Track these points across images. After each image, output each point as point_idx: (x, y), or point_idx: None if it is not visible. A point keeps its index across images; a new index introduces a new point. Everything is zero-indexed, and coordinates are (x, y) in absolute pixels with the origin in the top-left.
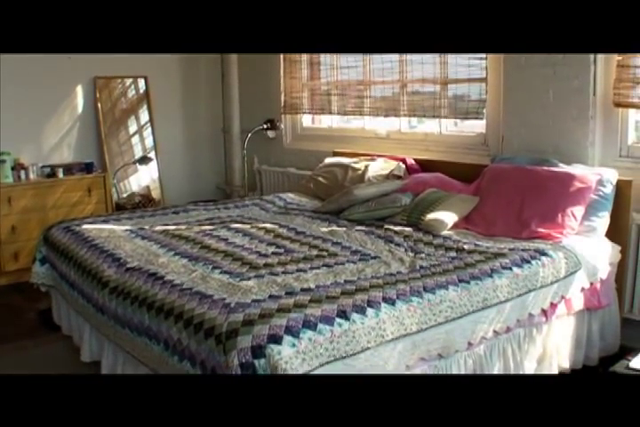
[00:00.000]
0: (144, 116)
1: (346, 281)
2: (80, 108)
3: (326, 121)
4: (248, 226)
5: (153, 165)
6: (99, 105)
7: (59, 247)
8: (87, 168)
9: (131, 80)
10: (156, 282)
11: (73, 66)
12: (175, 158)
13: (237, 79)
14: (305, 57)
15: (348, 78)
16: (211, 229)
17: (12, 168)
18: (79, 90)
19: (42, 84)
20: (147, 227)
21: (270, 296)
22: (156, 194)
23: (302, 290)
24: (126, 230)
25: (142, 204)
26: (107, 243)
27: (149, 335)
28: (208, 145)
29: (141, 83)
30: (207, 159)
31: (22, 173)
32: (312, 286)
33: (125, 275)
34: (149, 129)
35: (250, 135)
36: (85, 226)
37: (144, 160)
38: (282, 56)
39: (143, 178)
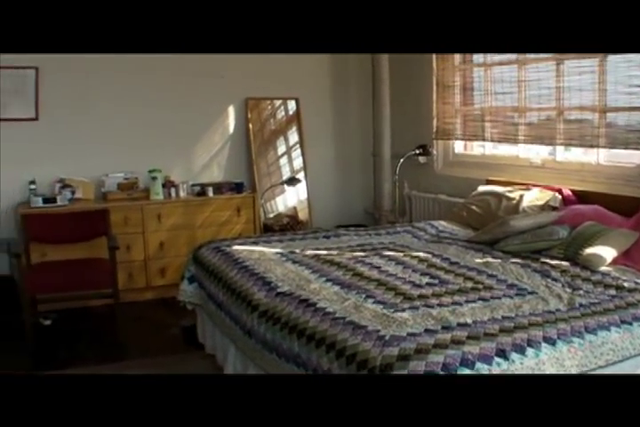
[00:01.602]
0: (293, 137)
1: (503, 317)
2: (231, 129)
3: (478, 147)
4: (401, 254)
5: (300, 187)
6: (250, 125)
7: (208, 267)
8: (237, 188)
9: (280, 101)
10: (308, 309)
11: (226, 87)
12: (324, 180)
13: (389, 103)
14: (458, 82)
15: (502, 105)
16: (363, 256)
17: (163, 185)
18: (231, 110)
19: (195, 104)
20: (297, 251)
21: (426, 330)
22: (302, 215)
23: (459, 325)
24: (277, 253)
25: (290, 225)
26: (257, 265)
27: (297, 363)
28: (357, 168)
29: (291, 104)
30: (356, 182)
31: (172, 191)
32: (469, 320)
33: (276, 299)
34: (298, 150)
35: (402, 161)
36: (236, 247)
37: (292, 181)
38: (434, 80)
39: (290, 199)
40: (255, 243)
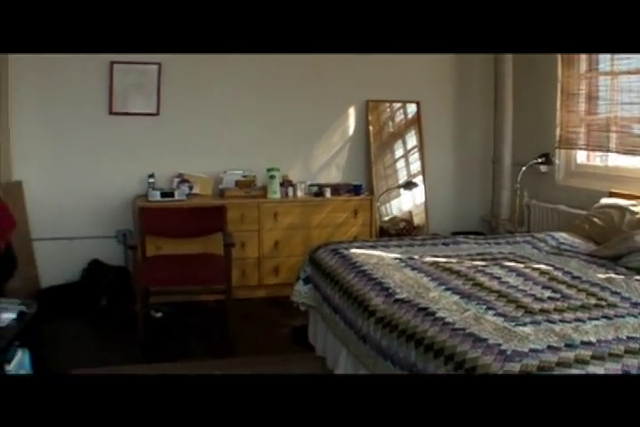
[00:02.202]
0: (411, 140)
1: (628, 337)
2: (351, 130)
3: (599, 158)
4: (521, 265)
5: (417, 191)
6: (370, 128)
7: (325, 269)
8: (355, 190)
9: (399, 104)
10: (427, 318)
11: (347, 88)
12: (442, 185)
13: (511, 109)
14: (583, 90)
15: (629, 115)
16: (483, 266)
17: (281, 184)
18: (351, 112)
19: (316, 105)
20: (416, 257)
21: (549, 347)
22: (417, 220)
23: (582, 343)
24: (395, 259)
25: (406, 230)
26: (375, 270)
27: (413, 372)
28: (476, 174)
29: (410, 107)
30: (474, 189)
31: (290, 190)
32: (592, 339)
33: (394, 306)
34: (416, 154)
35: (524, 169)
36: (353, 250)
37: (409, 185)
38: (559, 87)
39: (405, 203)
40: (373, 247)
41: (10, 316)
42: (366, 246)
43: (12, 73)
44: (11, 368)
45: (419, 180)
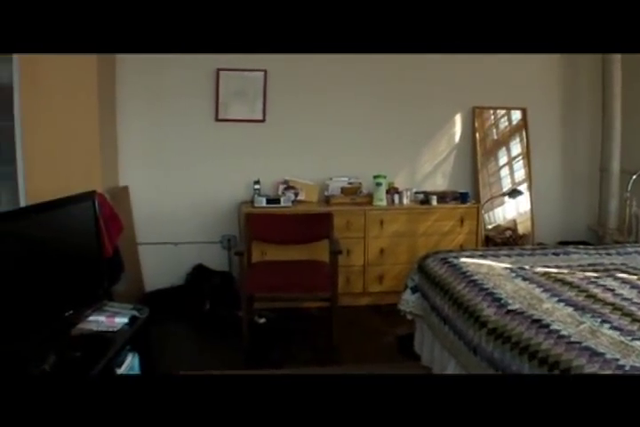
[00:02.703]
0: (516, 147)
1: None
2: (457, 137)
3: None
4: (634, 277)
5: (521, 199)
6: (476, 135)
7: (434, 278)
8: (462, 198)
9: (504, 111)
10: (541, 330)
11: (453, 95)
12: (548, 193)
13: (620, 114)
14: None
15: None
16: (595, 277)
17: (387, 191)
18: (457, 118)
19: (422, 111)
20: (527, 267)
21: None
22: (522, 228)
23: None
24: (506, 268)
25: (512, 239)
26: (486, 280)
27: None
28: (583, 182)
29: (515, 114)
30: (580, 197)
31: (396, 197)
32: None
33: (506, 317)
34: (521, 162)
35: (634, 177)
36: (463, 259)
37: (514, 193)
38: None
39: (509, 211)
40: (483, 256)
41: (122, 320)
42: (476, 256)
43: (120, 81)
44: (121, 372)
45: (523, 187)
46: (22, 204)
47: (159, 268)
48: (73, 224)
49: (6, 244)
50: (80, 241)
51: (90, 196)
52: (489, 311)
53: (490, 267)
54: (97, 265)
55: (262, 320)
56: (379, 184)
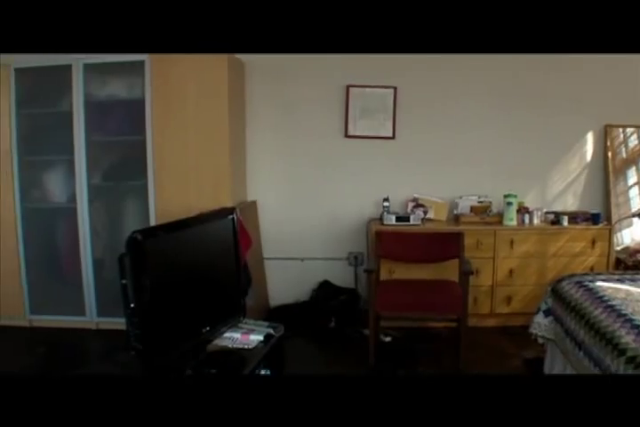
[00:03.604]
0: None
1: None
2: (589, 156)
3: None
4: None
5: None
6: (609, 154)
7: (569, 302)
8: (593, 219)
9: (632, 129)
10: None
11: (584, 112)
12: None
13: None
14: None
15: None
16: None
17: (517, 211)
18: (589, 137)
19: (552, 130)
20: None
21: None
22: None
23: None
24: None
25: None
26: (624, 305)
27: None
28: None
29: None
30: None
31: (526, 217)
32: None
33: None
34: None
35: None
36: (599, 283)
37: None
38: None
39: (637, 232)
40: (620, 280)
41: (257, 338)
42: (612, 280)
43: (249, 94)
44: None
45: None
46: (152, 217)
47: (285, 283)
48: (215, 240)
49: (155, 257)
50: (220, 257)
51: (230, 211)
52: (628, 338)
53: (627, 292)
54: (235, 281)
55: (388, 339)
56: (509, 203)
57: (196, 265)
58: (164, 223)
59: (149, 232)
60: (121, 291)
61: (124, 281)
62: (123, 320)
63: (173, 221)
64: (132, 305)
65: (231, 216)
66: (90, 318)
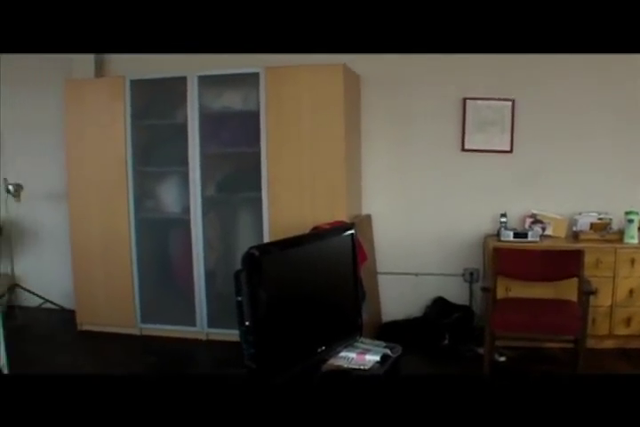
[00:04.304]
0: None
1: None
2: None
3: None
4: None
5: None
6: None
7: None
8: None
9: None
10: None
11: None
12: None
13: None
14: None
15: None
16: None
17: (638, 228)
18: None
19: None
20: None
21: None
22: None
23: None
24: None
25: None
26: None
27: None
28: None
29: None
30: None
31: None
32: None
33: None
34: None
35: None
36: None
37: None
38: None
39: None
40: None
41: (373, 358)
42: None
43: (365, 107)
44: None
45: None
46: (265, 229)
47: (398, 299)
48: (332, 256)
49: (272, 274)
50: (338, 274)
51: (348, 227)
52: None
53: None
54: (352, 299)
55: (502, 358)
56: (630, 221)
57: (313, 282)
58: (282, 239)
59: (266, 248)
60: (236, 308)
61: (239, 298)
62: (233, 332)
63: (291, 237)
64: (246, 323)
65: (350, 232)
66: (200, 328)
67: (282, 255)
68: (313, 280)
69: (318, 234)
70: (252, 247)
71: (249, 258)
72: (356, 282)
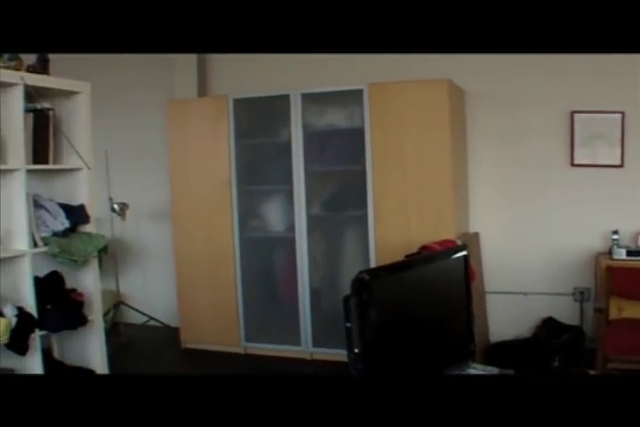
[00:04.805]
0: None
1: None
2: None
3: None
4: None
5: None
6: None
7: None
8: None
9: None
10: None
11: None
12: None
13: None
14: None
15: None
16: None
17: None
18: None
19: None
20: None
21: None
22: None
23: None
24: None
25: None
26: None
27: None
28: None
29: None
30: None
31: None
32: None
33: None
34: None
35: None
36: None
37: None
38: None
39: None
40: None
41: None
42: None
43: (470, 122)
44: None
45: None
46: (371, 248)
47: (506, 318)
48: (444, 280)
49: (382, 299)
50: (449, 298)
51: (460, 248)
52: None
53: None
54: (465, 324)
55: None
56: None
57: (424, 308)
58: (391, 263)
59: (376, 272)
60: (345, 335)
61: (348, 324)
62: (338, 351)
63: (401, 261)
64: (356, 350)
65: (462, 254)
66: (305, 347)
67: (392, 280)
68: (424, 305)
69: (429, 256)
70: (361, 271)
71: (359, 283)
72: (469, 306)
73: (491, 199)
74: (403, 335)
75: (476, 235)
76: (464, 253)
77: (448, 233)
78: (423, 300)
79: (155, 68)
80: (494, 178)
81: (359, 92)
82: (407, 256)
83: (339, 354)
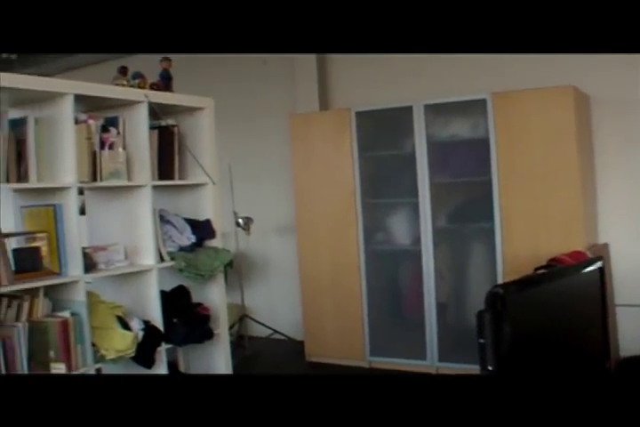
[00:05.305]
0: None
1: None
2: None
3: None
4: None
5: None
6: None
7: None
8: None
9: None
10: None
11: None
12: None
13: None
14: None
15: None
16: None
17: None
18: None
19: None
20: None
21: None
22: None
23: None
24: None
25: None
26: None
27: None
28: None
29: None
30: None
31: None
32: None
33: None
34: None
35: None
36: None
37: None
38: None
39: None
40: None
41: None
42: None
43: (597, 128)
44: None
45: None
46: (499, 260)
47: (637, 332)
48: (579, 294)
49: (517, 315)
50: (586, 312)
51: (595, 260)
52: None
53: None
54: (601, 340)
55: None
56: None
57: (558, 323)
58: (524, 277)
59: (510, 287)
60: (479, 351)
61: (482, 340)
62: (464, 366)
63: (533, 274)
64: (489, 368)
65: (597, 266)
66: (430, 362)
67: (526, 294)
68: (558, 321)
69: (563, 269)
70: (496, 286)
71: (494, 297)
72: (605, 322)
73: (620, 209)
74: (536, 352)
75: (606, 246)
76: (599, 264)
77: (577, 245)
78: (557, 315)
79: (276, 82)
80: (624, 186)
81: (482, 102)
82: (537, 269)
83: (465, 369)
